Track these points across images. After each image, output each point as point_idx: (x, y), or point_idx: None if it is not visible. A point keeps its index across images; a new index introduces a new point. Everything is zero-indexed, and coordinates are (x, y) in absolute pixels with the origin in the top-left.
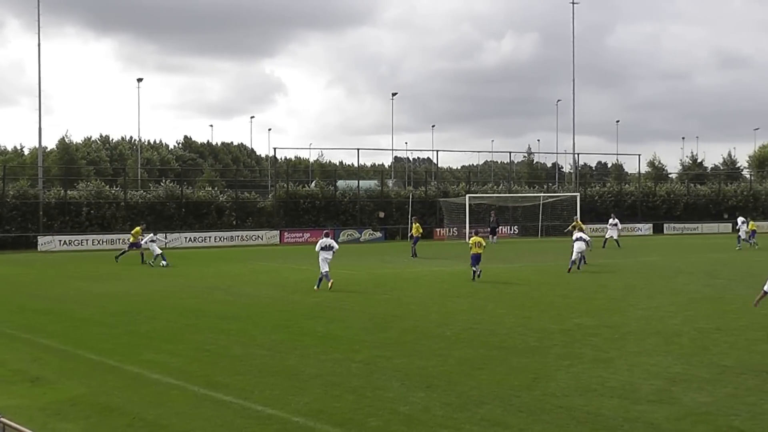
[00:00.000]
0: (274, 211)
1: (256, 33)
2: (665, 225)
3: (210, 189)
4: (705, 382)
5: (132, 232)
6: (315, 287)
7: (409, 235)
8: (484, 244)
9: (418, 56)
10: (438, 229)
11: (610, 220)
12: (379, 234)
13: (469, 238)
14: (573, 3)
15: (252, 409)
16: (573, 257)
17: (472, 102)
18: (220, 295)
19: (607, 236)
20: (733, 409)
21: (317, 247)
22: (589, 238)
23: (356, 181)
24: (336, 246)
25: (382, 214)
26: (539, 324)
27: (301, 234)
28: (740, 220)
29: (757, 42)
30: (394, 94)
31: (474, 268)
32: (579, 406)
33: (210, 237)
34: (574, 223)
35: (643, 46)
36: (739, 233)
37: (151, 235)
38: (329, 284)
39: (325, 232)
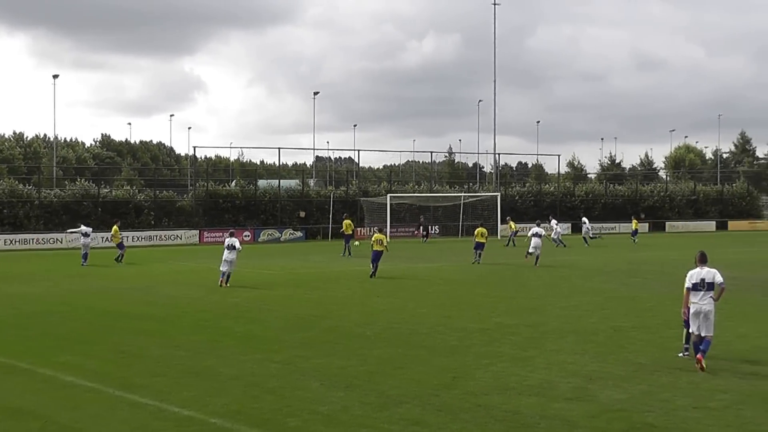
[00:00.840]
0: (194, 210)
1: (175, 30)
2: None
3: (128, 188)
4: (620, 380)
5: (112, 232)
6: (222, 284)
7: (341, 231)
8: (385, 242)
9: (340, 56)
10: (359, 229)
11: (552, 222)
12: (299, 233)
13: (372, 235)
14: (494, 4)
15: (169, 410)
16: (530, 250)
17: (393, 102)
18: (139, 295)
19: (554, 236)
20: (647, 406)
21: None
22: (543, 233)
23: (277, 181)
24: (238, 246)
25: (302, 214)
26: (459, 323)
27: (221, 233)
28: (584, 220)
29: (672, 45)
30: (315, 93)
31: (372, 266)
32: (498, 404)
33: (128, 237)
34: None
35: (563, 48)
36: (584, 234)
37: (83, 228)
38: (220, 282)
39: (230, 231)
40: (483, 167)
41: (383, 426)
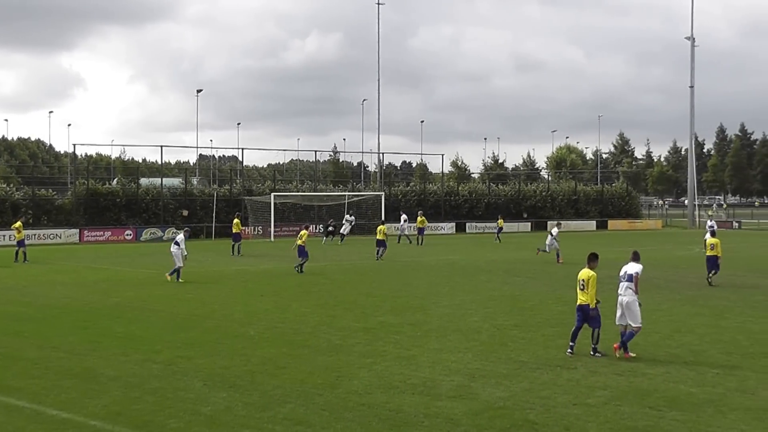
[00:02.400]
0: (74, 209)
1: (51, 25)
2: (467, 224)
3: (4, 186)
4: (502, 378)
5: (15, 225)
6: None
7: (234, 233)
8: (304, 238)
9: (222, 53)
10: (243, 228)
11: (402, 218)
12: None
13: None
14: (378, 3)
15: (46, 413)
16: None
17: (277, 100)
18: (15, 296)
19: (398, 232)
20: (528, 403)
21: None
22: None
23: (160, 179)
24: (178, 241)
25: (185, 213)
26: (343, 322)
27: (102, 232)
28: (404, 217)
29: (552, 47)
30: (199, 91)
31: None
32: (381, 403)
33: (4, 236)
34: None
35: (444, 48)
36: (400, 231)
37: None
38: (167, 276)
39: (185, 229)
40: (367, 166)
41: (266, 426)
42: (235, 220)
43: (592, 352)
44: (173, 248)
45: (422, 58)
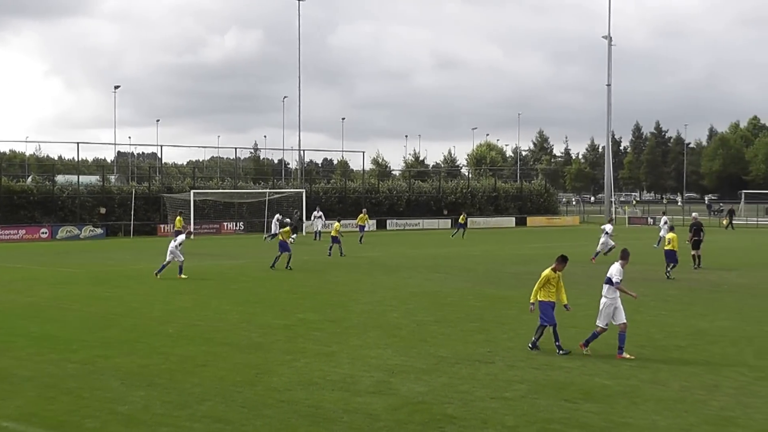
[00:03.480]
0: None
1: None
2: (388, 221)
3: None
4: (422, 373)
5: None
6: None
7: (175, 231)
8: (339, 228)
9: (140, 50)
10: (162, 226)
11: (315, 213)
12: (100, 230)
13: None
14: (299, 0)
15: None
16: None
17: (196, 97)
18: None
19: (315, 229)
20: (447, 398)
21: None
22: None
23: (76, 176)
24: (181, 241)
25: (103, 210)
26: (263, 320)
27: (16, 231)
28: (315, 214)
29: (471, 45)
30: (116, 87)
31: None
32: (301, 399)
33: None
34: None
35: (365, 46)
36: (315, 227)
37: None
38: (155, 273)
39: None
40: (288, 164)
41: (185, 424)
42: (178, 218)
43: (530, 346)
44: (171, 245)
45: (343, 56)
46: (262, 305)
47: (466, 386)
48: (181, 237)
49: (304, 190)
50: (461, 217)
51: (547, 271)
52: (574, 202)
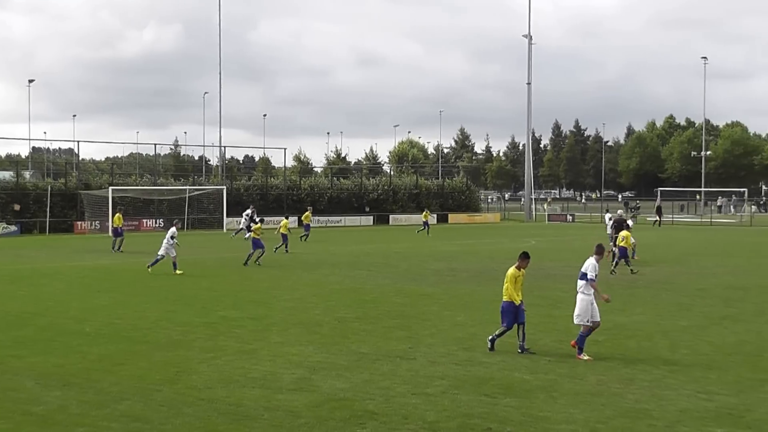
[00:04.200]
0: None
1: None
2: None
3: None
4: (343, 369)
5: None
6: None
7: (113, 228)
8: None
9: (55, 43)
10: (79, 223)
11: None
12: (14, 228)
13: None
14: None
15: None
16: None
17: (114, 92)
18: None
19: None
20: (368, 394)
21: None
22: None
23: None
24: (173, 235)
25: (17, 207)
26: (183, 317)
27: None
28: (245, 213)
29: (392, 43)
30: (30, 81)
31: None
32: (221, 397)
33: None
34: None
35: (286, 42)
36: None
37: None
38: (148, 267)
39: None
40: (209, 160)
41: (102, 424)
42: (117, 215)
43: (520, 350)
44: (166, 242)
45: (264, 52)
46: (182, 303)
47: (387, 382)
48: (173, 230)
49: (225, 187)
50: (424, 213)
51: (512, 270)
52: (492, 200)
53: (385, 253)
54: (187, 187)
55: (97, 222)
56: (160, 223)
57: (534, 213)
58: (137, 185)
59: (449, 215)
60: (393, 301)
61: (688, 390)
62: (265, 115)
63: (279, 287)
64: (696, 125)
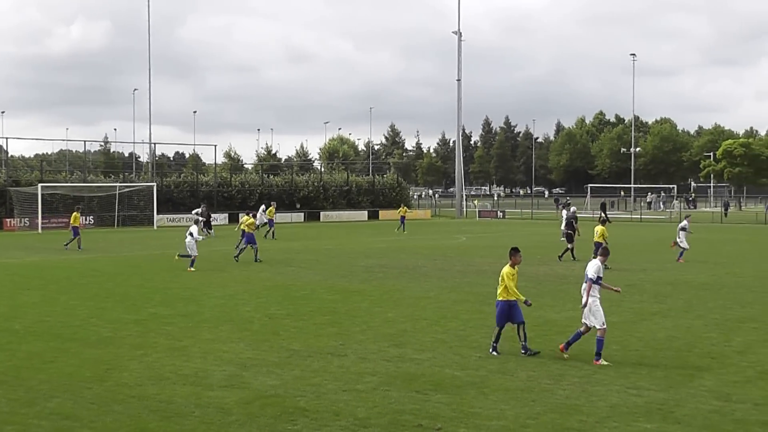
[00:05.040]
0: None
1: None
2: (240, 215)
3: None
4: (274, 366)
5: None
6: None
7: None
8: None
9: None
10: (9, 220)
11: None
12: None
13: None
14: None
15: None
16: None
17: (42, 89)
18: None
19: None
20: (299, 391)
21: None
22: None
23: None
24: (192, 231)
25: None
26: (113, 315)
27: None
28: (195, 212)
29: (322, 39)
30: None
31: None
32: (152, 395)
33: None
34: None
35: (215, 39)
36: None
37: None
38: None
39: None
40: (139, 157)
41: (32, 422)
42: (75, 213)
43: (523, 352)
44: (188, 239)
45: (193, 48)
46: (112, 300)
47: (318, 379)
48: (195, 228)
49: (155, 184)
50: (401, 209)
51: (508, 269)
52: (423, 196)
53: (316, 250)
54: (118, 184)
55: (26, 219)
56: (90, 220)
57: (465, 209)
58: (67, 182)
59: (380, 212)
60: (324, 297)
61: (618, 385)
62: (195, 112)
63: (210, 284)
64: (625, 121)
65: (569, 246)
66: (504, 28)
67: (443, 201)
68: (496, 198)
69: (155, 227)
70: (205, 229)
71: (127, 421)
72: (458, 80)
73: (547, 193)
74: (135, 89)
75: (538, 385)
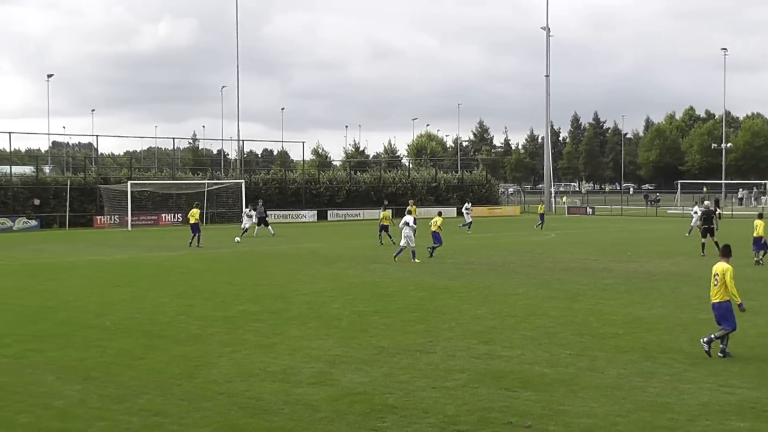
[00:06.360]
0: None
1: None
2: (329, 212)
3: None
4: (362, 363)
5: None
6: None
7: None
8: (439, 223)
9: (70, 38)
10: (98, 217)
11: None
12: (34, 222)
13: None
14: None
15: None
16: (402, 243)
17: (131, 87)
18: None
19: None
20: (388, 388)
21: (400, 224)
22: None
23: (8, 167)
24: (413, 224)
25: (37, 202)
26: (202, 312)
27: None
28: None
29: (407, 35)
30: (49, 76)
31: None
32: (240, 391)
33: None
34: (409, 208)
35: (300, 36)
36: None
37: None
38: (413, 260)
39: (407, 210)
40: (228, 154)
41: (122, 418)
42: (193, 210)
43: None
44: (408, 230)
45: (278, 46)
46: (201, 297)
47: (406, 376)
48: (409, 218)
49: (243, 181)
50: (466, 205)
51: (727, 266)
52: (511, 191)
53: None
54: (206, 181)
55: (116, 216)
56: (178, 218)
57: (554, 206)
58: (156, 179)
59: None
60: (412, 294)
61: (710, 383)
62: (283, 109)
63: (297, 281)
64: (716, 117)
65: (706, 240)
66: (589, 24)
67: (531, 197)
68: (583, 192)
69: (242, 225)
70: (261, 226)
71: (216, 417)
72: (546, 76)
73: (632, 189)
74: (223, 86)
75: (629, 383)
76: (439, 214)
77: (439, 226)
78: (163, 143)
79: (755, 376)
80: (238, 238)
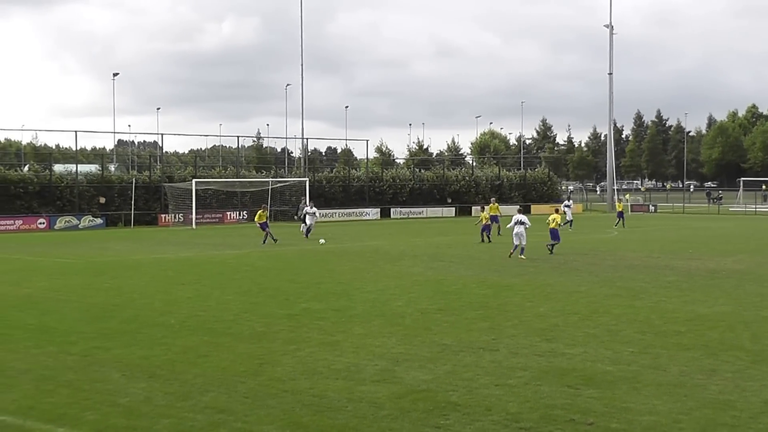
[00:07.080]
0: None
1: None
2: (392, 209)
3: None
4: (426, 361)
5: None
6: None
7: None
8: (558, 220)
9: (135, 36)
10: (163, 215)
11: (309, 208)
12: (99, 220)
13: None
14: None
15: None
16: (515, 242)
17: (195, 85)
18: None
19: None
20: (451, 386)
21: (511, 223)
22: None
23: (74, 165)
24: (527, 223)
25: (102, 200)
26: (266, 309)
27: (12, 221)
28: (307, 209)
29: (470, 33)
30: (115, 75)
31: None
32: (304, 389)
33: None
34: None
35: (364, 34)
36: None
37: None
38: (520, 257)
39: (517, 208)
40: (292, 152)
41: (187, 415)
42: (260, 212)
43: None
44: (521, 228)
45: (342, 44)
46: (265, 295)
47: (469, 374)
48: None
49: (307, 179)
50: (618, 204)
51: None
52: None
53: (467, 244)
54: (270, 179)
55: (180, 214)
56: (243, 215)
57: (616, 203)
58: (220, 177)
59: (532, 206)
60: (475, 292)
61: None
62: (347, 107)
63: (360, 279)
64: None
65: None
66: (651, 21)
67: (594, 195)
68: (644, 190)
69: (306, 224)
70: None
71: (280, 415)
72: (610, 74)
73: (692, 186)
74: (288, 84)
75: (691, 381)
76: (556, 211)
77: (558, 223)
78: (228, 141)
79: None
80: (322, 240)
